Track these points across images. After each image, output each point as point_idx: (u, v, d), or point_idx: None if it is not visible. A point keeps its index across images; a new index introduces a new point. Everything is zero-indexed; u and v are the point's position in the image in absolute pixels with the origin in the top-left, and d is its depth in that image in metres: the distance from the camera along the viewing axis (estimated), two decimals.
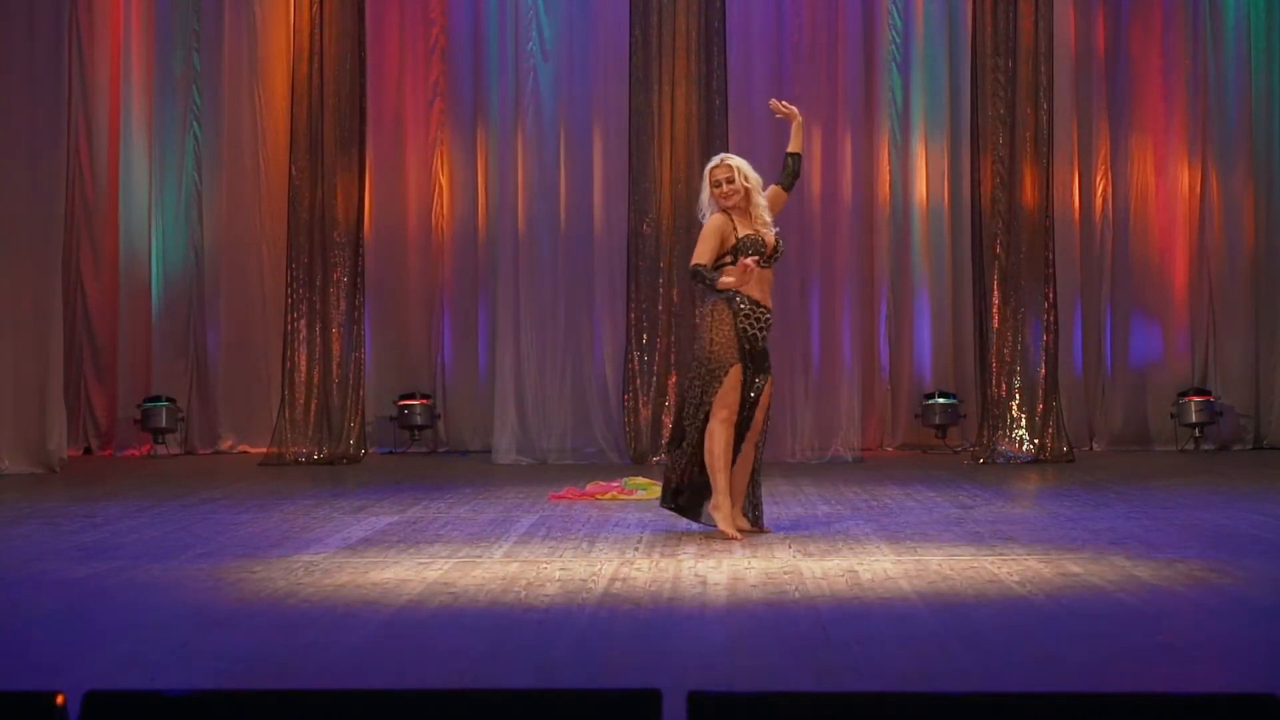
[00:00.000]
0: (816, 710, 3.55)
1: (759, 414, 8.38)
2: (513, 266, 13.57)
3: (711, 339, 8.28)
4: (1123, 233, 14.25)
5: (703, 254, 8.25)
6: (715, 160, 8.48)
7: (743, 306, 8.26)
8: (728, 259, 8.28)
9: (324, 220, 13.56)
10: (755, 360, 8.31)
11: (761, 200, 8.34)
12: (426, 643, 5.77)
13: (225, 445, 14.34)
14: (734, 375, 8.24)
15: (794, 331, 13.31)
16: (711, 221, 8.31)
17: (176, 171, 14.40)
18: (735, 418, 8.26)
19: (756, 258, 8.22)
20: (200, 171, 14.43)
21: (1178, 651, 5.55)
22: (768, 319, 8.34)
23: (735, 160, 8.41)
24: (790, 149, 8.64)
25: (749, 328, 8.26)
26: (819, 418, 13.30)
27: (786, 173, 8.59)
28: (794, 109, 8.71)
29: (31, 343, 12.57)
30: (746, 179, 8.31)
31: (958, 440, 13.98)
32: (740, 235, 8.25)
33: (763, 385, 8.34)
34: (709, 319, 8.31)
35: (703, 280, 8.22)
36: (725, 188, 8.27)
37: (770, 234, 8.33)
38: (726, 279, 8.17)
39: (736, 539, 8.16)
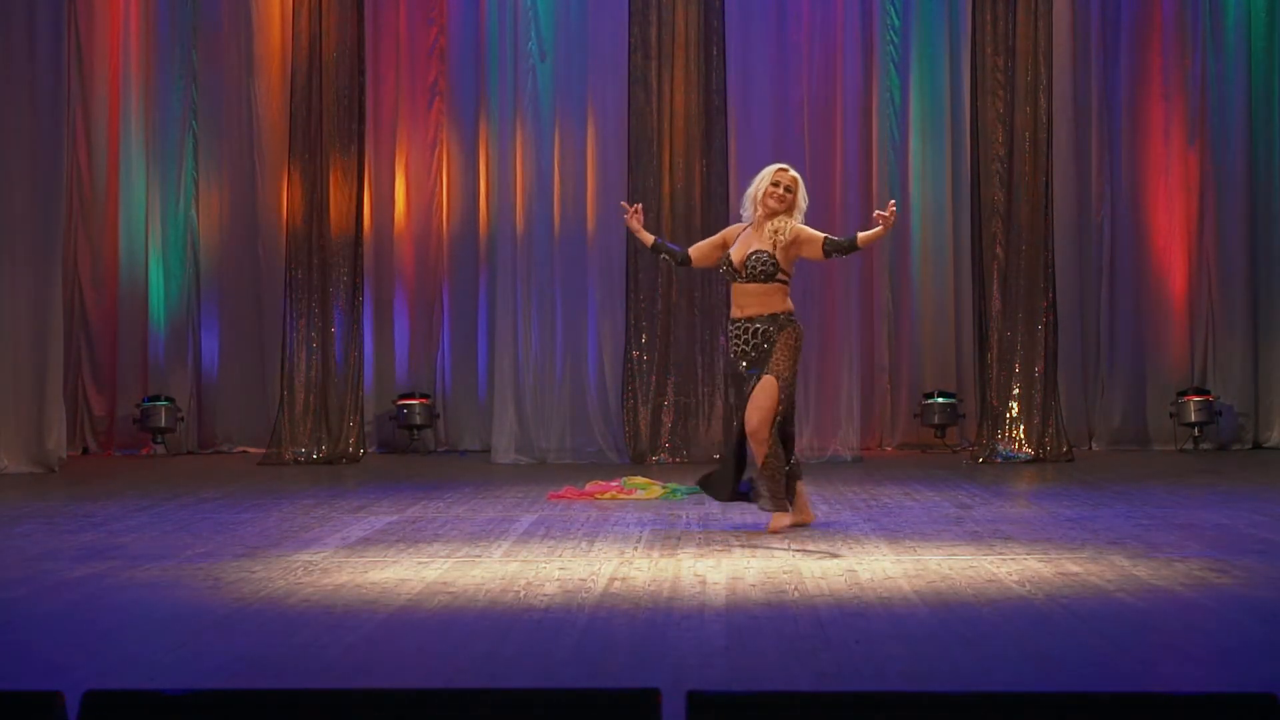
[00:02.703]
0: (815, 710, 3.55)
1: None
2: (512, 266, 13.57)
3: None
4: (1122, 232, 14.24)
5: (698, 244, 9.02)
6: (783, 165, 8.66)
7: (728, 328, 8.68)
8: (723, 269, 8.65)
9: (323, 220, 13.55)
10: (759, 364, 8.44)
11: (795, 225, 8.45)
12: (426, 643, 5.77)
13: (224, 445, 14.33)
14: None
15: None
16: (731, 227, 8.82)
17: (175, 170, 14.40)
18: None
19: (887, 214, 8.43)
20: (199, 170, 14.43)
21: (1178, 651, 5.55)
22: (755, 329, 8.44)
23: (799, 175, 8.59)
24: (860, 235, 8.61)
25: (736, 346, 8.51)
26: (818, 417, 13.29)
27: (839, 244, 8.54)
28: (889, 219, 8.52)
29: (30, 342, 12.56)
30: (802, 198, 8.54)
31: (957, 440, 13.97)
32: (725, 253, 8.58)
33: (755, 386, 8.44)
34: None
35: (661, 251, 8.98)
36: (782, 191, 8.45)
37: (754, 246, 8.44)
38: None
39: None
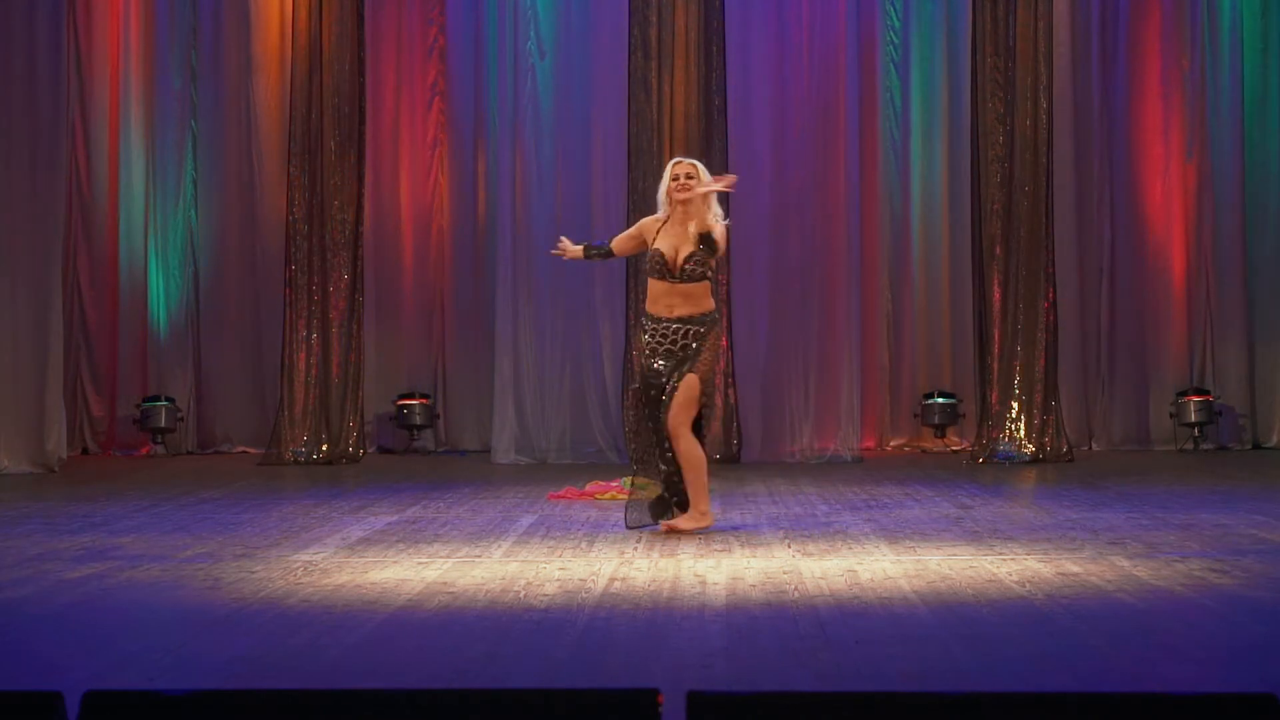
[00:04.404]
0: (815, 710, 3.55)
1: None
2: (511, 265, 13.56)
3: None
4: (1121, 232, 14.23)
5: (618, 236, 8.98)
6: (679, 158, 8.80)
7: (646, 324, 8.55)
8: (655, 265, 8.57)
9: (323, 220, 13.54)
10: (676, 362, 8.41)
11: (715, 210, 8.55)
12: (425, 643, 5.77)
13: (224, 445, 14.32)
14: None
15: (793, 332, 13.30)
16: (646, 219, 8.71)
17: (175, 170, 14.39)
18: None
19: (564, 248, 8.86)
20: (199, 170, 14.42)
21: (1178, 651, 5.55)
22: (686, 329, 8.41)
23: (700, 164, 8.64)
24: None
25: (656, 343, 8.44)
26: (818, 418, 13.29)
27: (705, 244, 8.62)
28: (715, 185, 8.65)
29: (30, 342, 12.55)
30: (706, 177, 8.54)
31: (957, 440, 13.97)
32: (653, 248, 8.53)
33: (676, 384, 8.38)
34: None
35: (590, 253, 8.89)
36: (684, 180, 8.48)
37: (686, 249, 8.40)
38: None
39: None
